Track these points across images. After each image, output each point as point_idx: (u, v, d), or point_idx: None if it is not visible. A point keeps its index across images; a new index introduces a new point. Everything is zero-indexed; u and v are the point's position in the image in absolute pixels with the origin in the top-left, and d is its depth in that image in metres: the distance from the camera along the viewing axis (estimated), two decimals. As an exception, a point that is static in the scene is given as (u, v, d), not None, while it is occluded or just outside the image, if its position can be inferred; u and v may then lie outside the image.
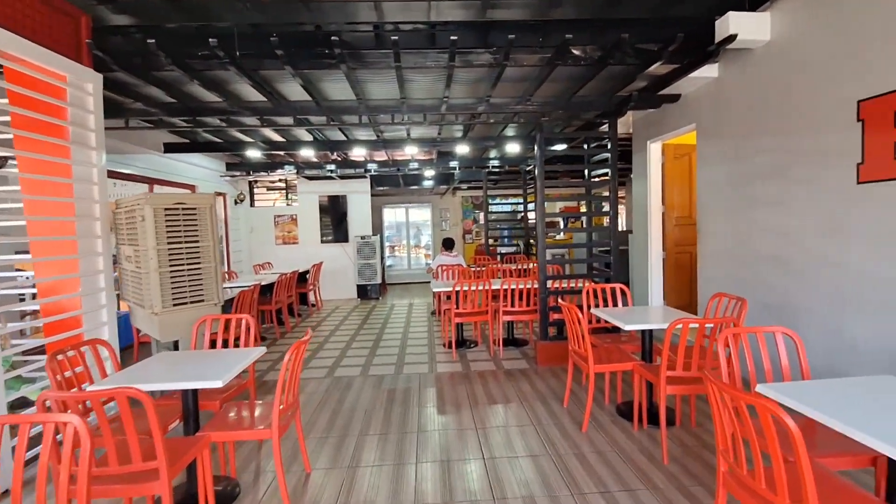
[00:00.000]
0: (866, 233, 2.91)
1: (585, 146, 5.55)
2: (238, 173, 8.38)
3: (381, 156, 8.36)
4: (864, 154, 2.90)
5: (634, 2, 3.37)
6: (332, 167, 8.26)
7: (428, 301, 8.92)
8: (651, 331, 3.25)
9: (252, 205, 9.45)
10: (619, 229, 7.14)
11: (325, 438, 3.19)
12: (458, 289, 4.89)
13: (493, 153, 8.61)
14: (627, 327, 3.01)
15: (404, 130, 6.32)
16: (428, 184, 10.92)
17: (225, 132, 6.19)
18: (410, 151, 7.78)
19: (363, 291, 9.35)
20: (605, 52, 3.71)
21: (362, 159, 8.46)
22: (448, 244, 7.61)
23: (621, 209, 12.95)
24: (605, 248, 5.96)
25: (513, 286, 4.90)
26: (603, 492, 2.46)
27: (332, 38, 3.17)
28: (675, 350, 2.73)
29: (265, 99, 4.31)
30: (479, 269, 7.11)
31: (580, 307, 3.97)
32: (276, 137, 6.29)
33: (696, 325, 2.73)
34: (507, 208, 13.27)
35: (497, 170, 9.09)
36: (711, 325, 2.84)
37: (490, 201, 13.24)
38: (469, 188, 12.68)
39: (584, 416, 3.28)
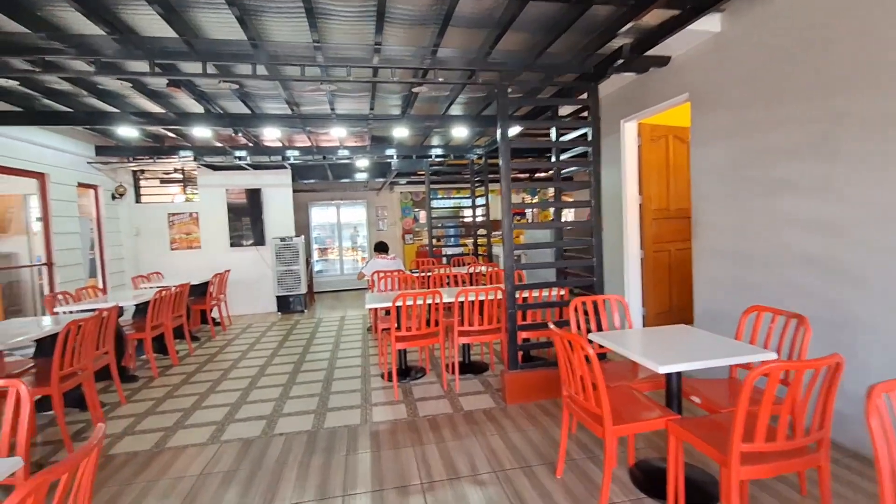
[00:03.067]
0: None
1: (552, 119, 4.54)
2: (113, 160, 6.58)
3: (301, 140, 6.93)
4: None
5: None
6: (242, 154, 6.71)
7: (364, 313, 7.60)
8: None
9: (138, 200, 7.61)
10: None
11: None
12: (399, 304, 3.68)
13: (435, 140, 7.47)
14: (663, 369, 1.97)
15: (327, 103, 5.01)
16: (361, 177, 9.57)
17: (79, 99, 4.54)
18: (337, 134, 6.44)
19: (284, 304, 7.84)
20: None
21: (279, 144, 6.98)
22: (381, 247, 6.39)
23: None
24: (578, 247, 5.05)
25: (471, 298, 3.77)
26: None
27: None
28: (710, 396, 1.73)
29: (104, 33, 2.86)
30: (423, 273, 5.93)
31: (561, 325, 2.90)
32: (154, 107, 4.72)
33: (783, 370, 1.73)
34: (450, 204, 12.21)
35: (440, 159, 7.97)
36: (811, 369, 1.87)
37: (432, 196, 12.13)
38: (408, 183, 11.48)
39: (588, 493, 2.21)
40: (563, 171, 4.42)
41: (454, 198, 12.39)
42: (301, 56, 3.24)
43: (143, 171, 7.54)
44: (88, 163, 6.36)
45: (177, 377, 4.57)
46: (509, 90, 3.50)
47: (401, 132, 6.40)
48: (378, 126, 6.01)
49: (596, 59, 3.69)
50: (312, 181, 9.57)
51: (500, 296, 3.80)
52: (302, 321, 7.21)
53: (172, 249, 7.79)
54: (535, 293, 3.87)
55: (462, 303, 3.79)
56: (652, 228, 4.94)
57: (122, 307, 4.69)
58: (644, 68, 3.97)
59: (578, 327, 2.92)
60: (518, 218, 13.68)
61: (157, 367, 4.86)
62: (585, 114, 3.92)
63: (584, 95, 3.82)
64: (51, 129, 5.45)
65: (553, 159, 4.60)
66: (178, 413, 3.61)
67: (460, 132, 6.58)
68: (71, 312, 4.41)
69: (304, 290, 7.85)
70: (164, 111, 4.79)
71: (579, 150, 4.50)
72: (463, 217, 12.27)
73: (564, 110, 5.01)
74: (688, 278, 5.30)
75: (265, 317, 7.71)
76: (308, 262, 8.68)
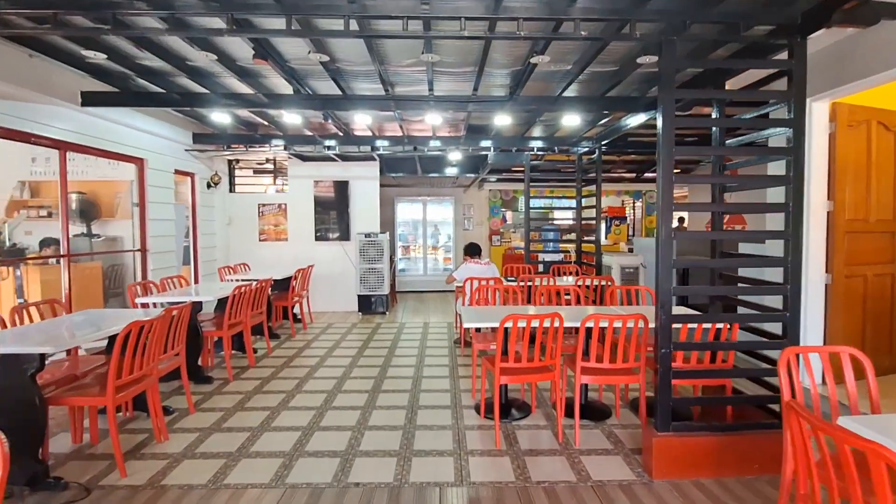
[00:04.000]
0: None
1: (720, 90, 3.47)
2: (209, 147, 6.50)
3: (392, 129, 6.40)
4: None
5: None
6: (331, 143, 6.33)
7: (448, 321, 6.92)
8: None
9: (231, 190, 7.58)
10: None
11: None
12: (508, 325, 2.89)
13: (537, 130, 6.58)
14: None
15: (424, 83, 4.35)
16: (451, 171, 8.92)
17: (171, 79, 4.30)
18: (432, 122, 5.80)
19: (366, 303, 7.39)
20: None
21: (369, 133, 6.51)
22: (474, 250, 5.67)
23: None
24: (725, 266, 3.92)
25: (603, 325, 2.87)
26: None
27: None
28: None
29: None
30: (523, 283, 5.09)
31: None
32: (244, 88, 4.37)
33: None
34: (540, 205, 11.21)
35: (541, 153, 7.06)
36: None
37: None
38: (499, 180, 10.67)
39: None
40: (727, 165, 3.33)
41: (546, 197, 11.37)
42: (403, 7, 2.56)
43: (237, 161, 7.49)
44: (186, 150, 6.32)
45: (251, 382, 4.17)
46: (678, 41, 2.53)
47: (502, 119, 5.61)
48: (478, 111, 5.25)
49: (806, 4, 2.60)
50: (400, 175, 9.11)
51: (641, 325, 2.86)
52: (383, 325, 6.69)
53: (261, 241, 7.67)
54: (693, 326, 2.87)
55: (589, 330, 2.91)
56: (844, 245, 3.68)
57: (200, 302, 4.40)
58: (872, 18, 2.79)
59: (792, 390, 1.93)
60: (617, 223, 12.33)
61: (233, 367, 4.52)
62: (768, 85, 2.84)
63: (784, 56, 2.74)
64: (149, 114, 5.37)
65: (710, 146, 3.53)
66: (245, 434, 3.12)
67: (572, 119, 5.64)
68: (154, 305, 4.17)
69: (386, 290, 7.36)
70: (254, 92, 4.42)
71: (750, 136, 3.40)
72: (554, 219, 11.23)
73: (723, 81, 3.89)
74: (888, 314, 3.97)
75: (345, 316, 7.32)
76: (392, 261, 8.20)
